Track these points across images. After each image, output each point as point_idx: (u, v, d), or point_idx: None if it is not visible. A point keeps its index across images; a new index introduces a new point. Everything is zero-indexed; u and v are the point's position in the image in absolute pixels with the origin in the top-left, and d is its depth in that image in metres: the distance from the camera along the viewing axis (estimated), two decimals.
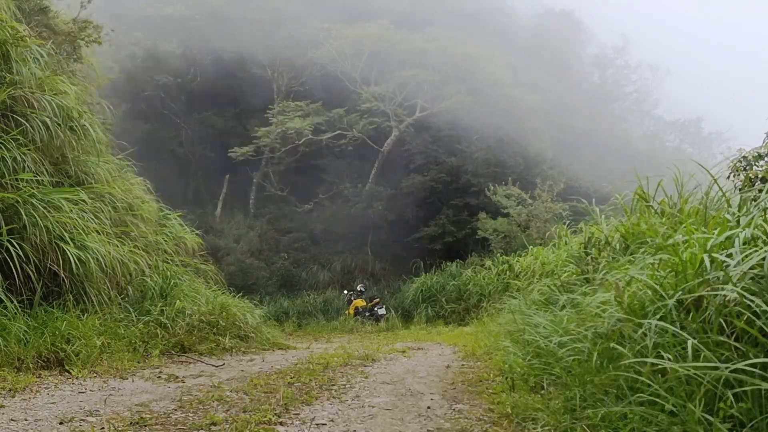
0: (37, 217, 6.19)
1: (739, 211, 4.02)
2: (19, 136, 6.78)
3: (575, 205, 10.35)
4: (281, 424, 3.73)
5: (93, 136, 8.34)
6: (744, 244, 3.05)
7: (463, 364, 7.01)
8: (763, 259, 2.76)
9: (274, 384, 5.20)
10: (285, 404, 4.27)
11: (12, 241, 5.89)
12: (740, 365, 2.39)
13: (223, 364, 6.88)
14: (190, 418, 3.82)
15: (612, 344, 3.35)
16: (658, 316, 3.07)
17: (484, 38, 26.01)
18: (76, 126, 8.05)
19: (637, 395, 2.88)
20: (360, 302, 18.22)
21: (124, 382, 5.29)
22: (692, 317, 2.90)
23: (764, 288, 2.69)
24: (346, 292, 19.55)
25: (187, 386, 5.13)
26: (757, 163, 6.25)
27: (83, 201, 7.15)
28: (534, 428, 3.46)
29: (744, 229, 3.17)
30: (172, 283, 8.44)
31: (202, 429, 3.56)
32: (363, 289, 19.22)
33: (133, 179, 10.06)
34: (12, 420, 3.65)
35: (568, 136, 24.05)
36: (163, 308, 7.69)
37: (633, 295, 3.49)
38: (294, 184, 24.80)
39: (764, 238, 3.08)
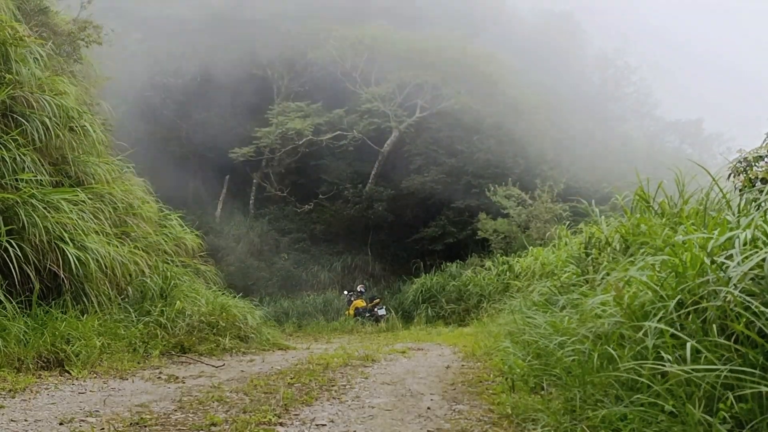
0: (36, 217, 6.19)
1: (739, 212, 4.02)
2: (18, 137, 6.78)
3: (575, 206, 10.37)
4: (281, 424, 3.73)
5: (93, 137, 8.35)
6: (744, 245, 3.05)
7: (463, 365, 7.01)
8: (763, 260, 2.76)
9: (274, 384, 5.20)
10: (285, 405, 4.27)
11: (11, 241, 5.89)
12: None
13: (223, 364, 6.88)
14: (190, 419, 3.82)
15: (610, 348, 3.35)
16: (658, 318, 3.07)
17: (484, 38, 25.99)
18: (76, 126, 8.06)
19: (637, 396, 2.88)
20: (360, 303, 18.21)
21: (124, 382, 5.29)
22: (692, 318, 2.90)
23: (764, 289, 2.69)
24: (346, 292, 19.54)
25: (187, 387, 5.13)
26: (757, 164, 6.24)
27: (83, 201, 7.15)
28: (534, 429, 3.46)
29: (744, 231, 3.16)
30: (172, 283, 8.44)
31: (202, 429, 3.56)
32: (363, 290, 19.21)
33: (133, 180, 10.07)
34: (12, 420, 3.65)
35: (568, 136, 24.02)
36: (163, 309, 7.69)
37: (633, 296, 3.49)
38: (294, 184, 24.78)
39: (764, 239, 3.07)
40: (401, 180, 23.36)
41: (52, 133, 7.30)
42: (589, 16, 35.05)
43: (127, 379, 5.45)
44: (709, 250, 3.16)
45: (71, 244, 6.50)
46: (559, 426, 3.33)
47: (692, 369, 2.61)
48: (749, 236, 3.11)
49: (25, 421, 3.68)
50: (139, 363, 6.38)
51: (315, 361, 7.03)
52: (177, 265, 9.53)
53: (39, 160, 7.03)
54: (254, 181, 24.82)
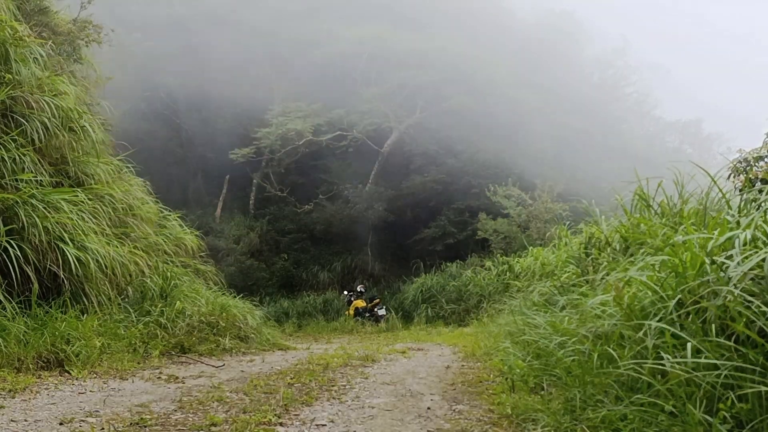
0: (36, 217, 6.19)
1: (739, 212, 4.02)
2: (18, 137, 6.78)
3: (575, 206, 10.35)
4: (281, 424, 3.72)
5: (93, 137, 8.34)
6: (744, 245, 3.05)
7: (463, 365, 7.01)
8: (763, 260, 2.75)
9: (274, 385, 5.20)
10: (285, 405, 4.27)
11: (11, 241, 5.89)
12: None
13: (223, 364, 6.87)
14: (190, 419, 3.82)
15: (610, 348, 3.35)
16: (658, 318, 3.07)
17: (484, 39, 26.00)
18: (76, 126, 8.05)
19: (637, 396, 2.88)
20: (360, 303, 18.21)
21: (124, 382, 5.29)
22: (692, 318, 2.89)
23: (765, 289, 2.69)
24: (346, 292, 19.54)
25: (187, 387, 5.13)
26: (757, 164, 6.25)
27: (83, 202, 7.14)
28: (534, 429, 3.46)
29: (744, 231, 3.16)
30: (172, 283, 8.43)
31: (202, 430, 3.56)
32: (363, 290, 19.21)
33: (133, 180, 10.06)
34: (12, 421, 3.65)
35: (568, 136, 24.02)
36: (163, 309, 7.69)
37: (633, 296, 3.49)
38: (294, 184, 24.77)
39: (764, 239, 3.07)
40: (401, 180, 23.35)
41: (52, 133, 7.30)
42: (589, 17, 35.11)
43: (127, 379, 5.45)
44: (709, 250, 3.16)
45: (71, 245, 6.49)
46: (559, 426, 3.33)
47: (692, 368, 2.61)
48: (749, 236, 3.11)
49: (25, 421, 3.68)
50: (139, 363, 6.38)
51: (315, 362, 7.03)
52: (177, 266, 9.54)
53: (39, 160, 7.02)
54: (254, 181, 24.81)
